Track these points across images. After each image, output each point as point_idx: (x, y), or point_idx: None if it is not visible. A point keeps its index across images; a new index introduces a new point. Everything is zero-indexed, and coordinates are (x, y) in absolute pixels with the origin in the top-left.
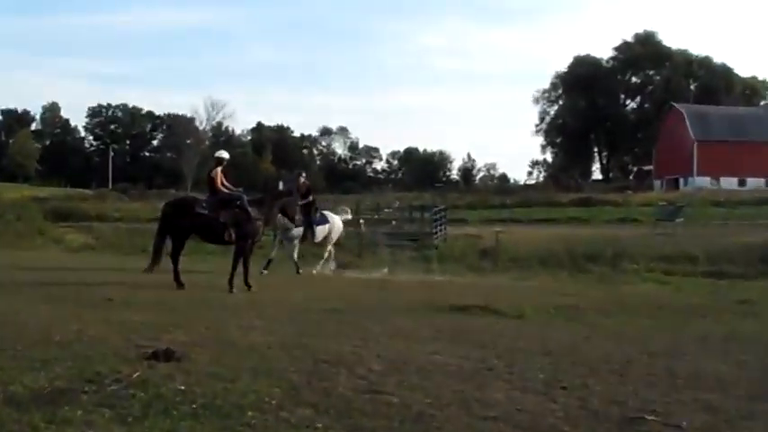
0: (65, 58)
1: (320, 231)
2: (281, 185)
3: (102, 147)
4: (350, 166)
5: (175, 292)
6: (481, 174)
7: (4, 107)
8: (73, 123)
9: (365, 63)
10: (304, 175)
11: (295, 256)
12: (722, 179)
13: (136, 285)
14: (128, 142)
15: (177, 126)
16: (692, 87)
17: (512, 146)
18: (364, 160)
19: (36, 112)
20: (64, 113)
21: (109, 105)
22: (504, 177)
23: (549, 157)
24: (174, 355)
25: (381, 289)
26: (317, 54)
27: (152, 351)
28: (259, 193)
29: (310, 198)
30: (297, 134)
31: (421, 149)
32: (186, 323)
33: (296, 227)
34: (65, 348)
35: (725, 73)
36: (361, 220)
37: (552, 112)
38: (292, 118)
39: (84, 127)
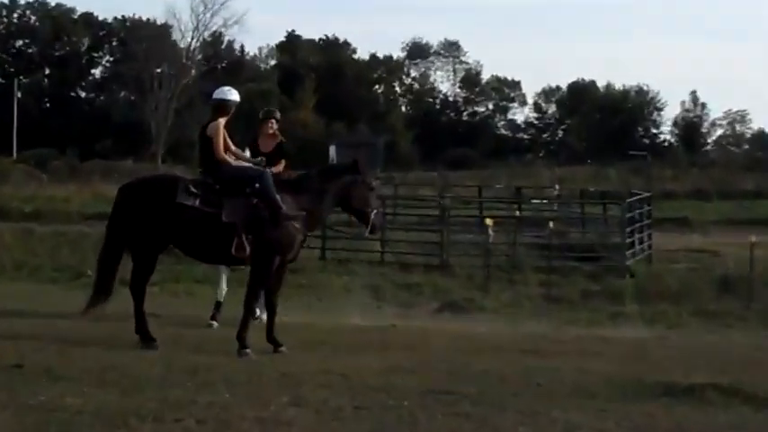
0: None
1: None
2: (332, 153)
3: (1, 81)
4: (464, 117)
5: (141, 354)
6: (718, 132)
7: None
8: None
9: None
10: (277, 117)
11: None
12: None
13: (66, 339)
14: (47, 72)
15: (138, 42)
16: None
17: None
18: (492, 105)
19: None
20: None
21: (14, 3)
22: (762, 138)
23: None
24: None
25: (528, 352)
26: None
27: None
28: (295, 169)
29: (282, 166)
30: (362, 56)
31: (601, 85)
32: (162, 411)
33: (370, 232)
34: None
35: None
36: (488, 221)
37: None
38: (352, 26)
39: None
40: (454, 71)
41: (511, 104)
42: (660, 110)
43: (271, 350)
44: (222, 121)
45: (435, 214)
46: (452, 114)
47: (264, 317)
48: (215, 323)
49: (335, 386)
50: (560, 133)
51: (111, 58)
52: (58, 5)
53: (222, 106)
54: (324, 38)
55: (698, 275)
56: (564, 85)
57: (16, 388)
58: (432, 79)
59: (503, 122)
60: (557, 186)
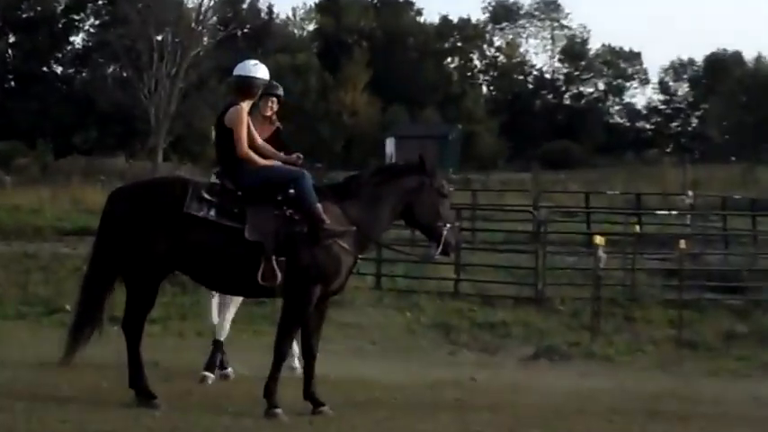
0: None
1: None
2: (390, 148)
3: None
4: (565, 100)
5: (137, 415)
6: None
7: None
8: None
9: None
10: (280, 95)
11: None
12: None
13: (38, 395)
14: (11, 41)
15: (132, 2)
16: None
17: None
18: (602, 85)
19: None
20: None
21: None
22: None
23: None
24: None
25: (652, 415)
26: None
27: None
28: (341, 170)
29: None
30: (429, 19)
31: (749, 57)
32: None
33: (441, 253)
34: None
35: None
36: (599, 240)
37: None
38: None
39: None
40: (552, 39)
41: (628, 83)
42: None
43: (309, 410)
44: (246, 105)
45: (528, 230)
46: (550, 96)
47: (300, 366)
48: (230, 371)
49: None
50: (694, 121)
51: (97, 22)
52: None
53: (246, 86)
54: None
55: None
56: (699, 58)
57: None
58: (523, 50)
59: (617, 107)
60: (690, 193)
